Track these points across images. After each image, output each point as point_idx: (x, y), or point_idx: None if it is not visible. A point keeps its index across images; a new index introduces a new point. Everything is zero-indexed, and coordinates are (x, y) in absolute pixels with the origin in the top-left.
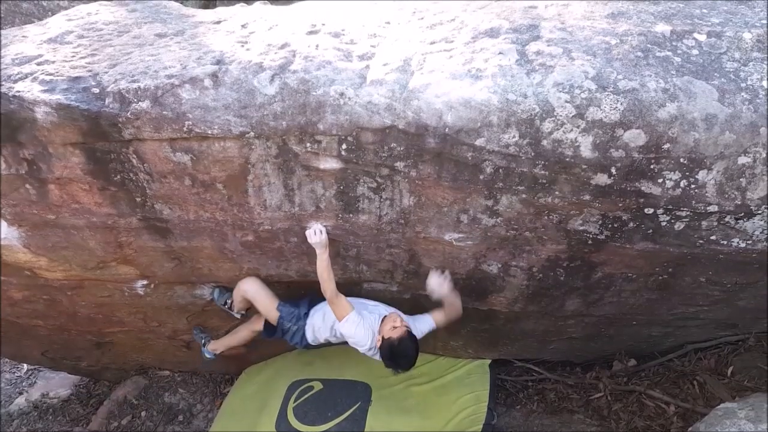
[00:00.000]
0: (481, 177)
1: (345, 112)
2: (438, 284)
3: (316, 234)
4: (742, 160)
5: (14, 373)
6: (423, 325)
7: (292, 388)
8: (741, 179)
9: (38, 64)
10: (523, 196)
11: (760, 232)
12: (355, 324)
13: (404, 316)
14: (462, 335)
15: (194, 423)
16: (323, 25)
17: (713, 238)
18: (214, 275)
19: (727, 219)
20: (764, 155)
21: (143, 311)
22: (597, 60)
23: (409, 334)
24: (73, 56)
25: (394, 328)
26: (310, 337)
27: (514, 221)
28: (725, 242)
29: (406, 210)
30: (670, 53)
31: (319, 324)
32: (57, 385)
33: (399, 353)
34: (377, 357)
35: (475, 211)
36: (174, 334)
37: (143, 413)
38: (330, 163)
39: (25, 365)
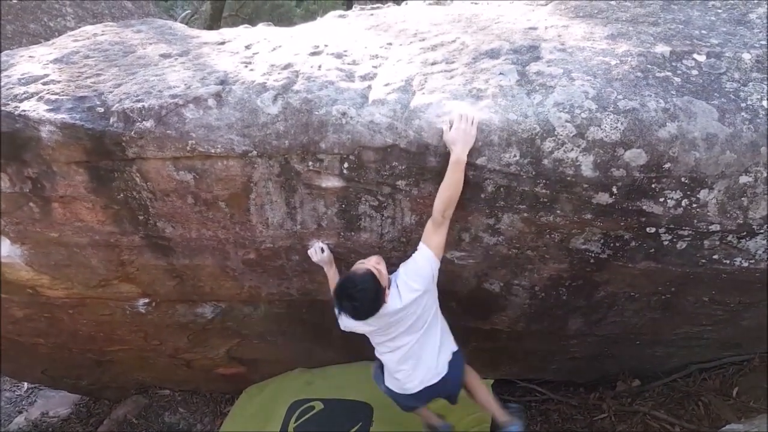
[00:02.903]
0: (483, 195)
1: (347, 131)
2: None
3: (317, 253)
4: (744, 179)
5: (14, 391)
6: (412, 264)
7: (292, 408)
8: (742, 198)
9: (44, 83)
10: (525, 214)
11: (763, 251)
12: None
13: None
14: (464, 355)
15: None
16: (326, 46)
17: (715, 257)
18: (216, 293)
19: (729, 238)
20: (765, 175)
21: (144, 329)
22: (597, 80)
23: (369, 273)
24: (79, 76)
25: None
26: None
27: (516, 240)
28: (728, 261)
29: (407, 228)
30: (669, 73)
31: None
32: (57, 404)
33: (343, 286)
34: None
35: (476, 230)
36: (175, 352)
37: None
38: (332, 182)
39: (25, 384)
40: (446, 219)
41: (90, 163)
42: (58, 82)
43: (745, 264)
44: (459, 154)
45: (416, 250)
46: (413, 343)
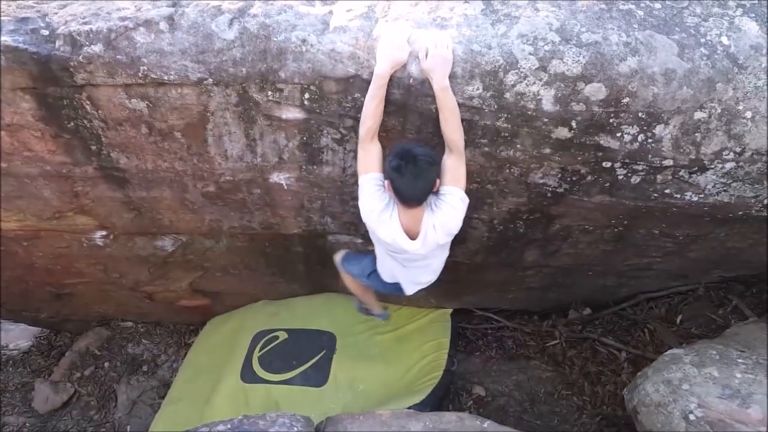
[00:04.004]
0: None
1: (307, 60)
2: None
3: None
4: (698, 115)
5: None
6: (451, 213)
7: (257, 338)
8: (696, 134)
9: None
10: (486, 149)
11: (712, 186)
12: (370, 190)
13: None
14: None
15: (159, 373)
16: None
17: (667, 191)
18: (175, 226)
19: (681, 173)
20: (719, 111)
21: (103, 262)
22: (561, 12)
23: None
24: None
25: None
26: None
27: (477, 174)
28: (678, 196)
29: None
30: (633, 6)
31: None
32: (17, 336)
33: (417, 149)
34: (394, 217)
35: None
36: (136, 285)
37: (106, 364)
38: (292, 113)
39: None
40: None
41: (37, 90)
42: None
43: (695, 198)
44: (441, 81)
45: (445, 192)
46: (421, 260)
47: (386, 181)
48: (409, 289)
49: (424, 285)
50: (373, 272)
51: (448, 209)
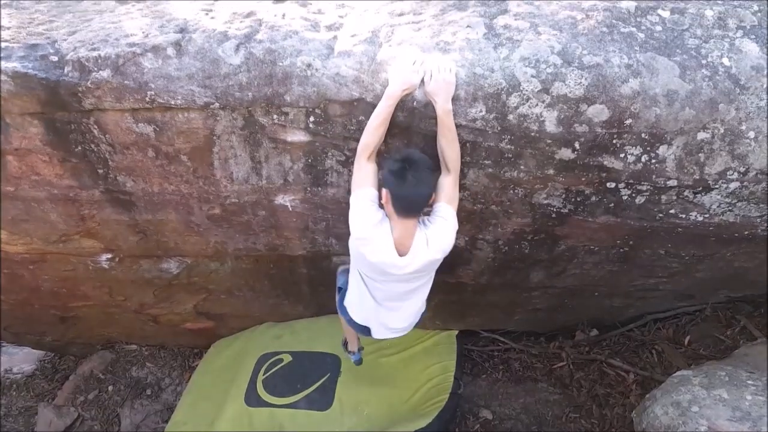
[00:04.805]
0: None
1: (312, 84)
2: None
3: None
4: (701, 135)
5: None
6: (444, 231)
7: (261, 361)
8: (699, 154)
9: None
10: (490, 170)
11: (717, 206)
12: (364, 204)
13: None
14: (430, 307)
15: (162, 396)
16: None
17: (672, 211)
18: (181, 249)
19: (685, 193)
20: (722, 131)
21: (108, 285)
22: (563, 35)
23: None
24: (30, 22)
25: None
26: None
27: (481, 195)
28: (683, 216)
29: None
30: (634, 29)
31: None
32: (21, 360)
33: (417, 156)
34: (387, 234)
35: None
36: (141, 308)
37: (110, 387)
38: (297, 136)
39: None
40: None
41: (45, 115)
42: (8, 28)
43: (700, 218)
44: (444, 105)
45: (439, 208)
46: (400, 293)
47: (384, 191)
48: (379, 333)
49: (395, 332)
50: (342, 305)
51: (442, 223)
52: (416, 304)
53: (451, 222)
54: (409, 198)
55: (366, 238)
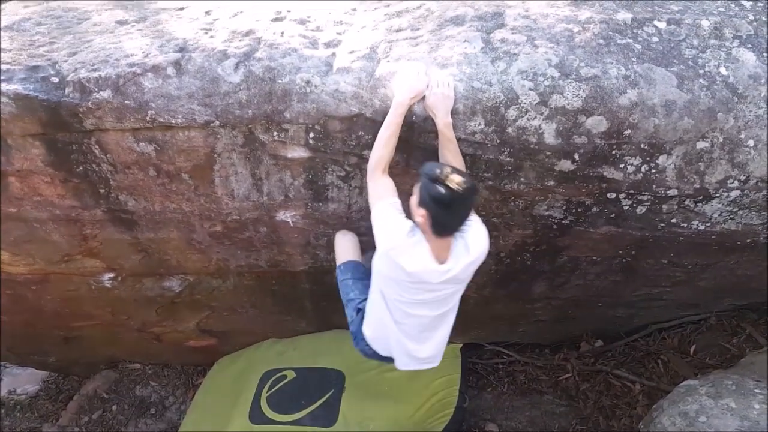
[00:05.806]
0: None
1: (312, 101)
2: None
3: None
4: (701, 144)
5: None
6: (480, 232)
7: (264, 378)
8: (699, 163)
9: None
10: (490, 182)
11: (719, 215)
12: (391, 215)
13: None
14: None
15: (167, 415)
16: (288, 11)
17: (674, 221)
18: (183, 266)
19: (686, 202)
20: (721, 140)
21: (111, 304)
22: (560, 47)
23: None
24: (31, 44)
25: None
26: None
27: (482, 208)
28: (685, 225)
29: None
30: (631, 40)
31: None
32: (24, 381)
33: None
34: (422, 242)
35: None
36: (144, 326)
37: (114, 407)
38: (298, 152)
39: None
40: None
41: (46, 136)
42: (9, 51)
43: (702, 227)
44: (444, 118)
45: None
46: (431, 317)
47: (420, 209)
48: (403, 363)
49: (422, 363)
50: (359, 335)
51: (476, 227)
52: (444, 332)
53: (483, 225)
54: (450, 225)
55: (401, 246)
